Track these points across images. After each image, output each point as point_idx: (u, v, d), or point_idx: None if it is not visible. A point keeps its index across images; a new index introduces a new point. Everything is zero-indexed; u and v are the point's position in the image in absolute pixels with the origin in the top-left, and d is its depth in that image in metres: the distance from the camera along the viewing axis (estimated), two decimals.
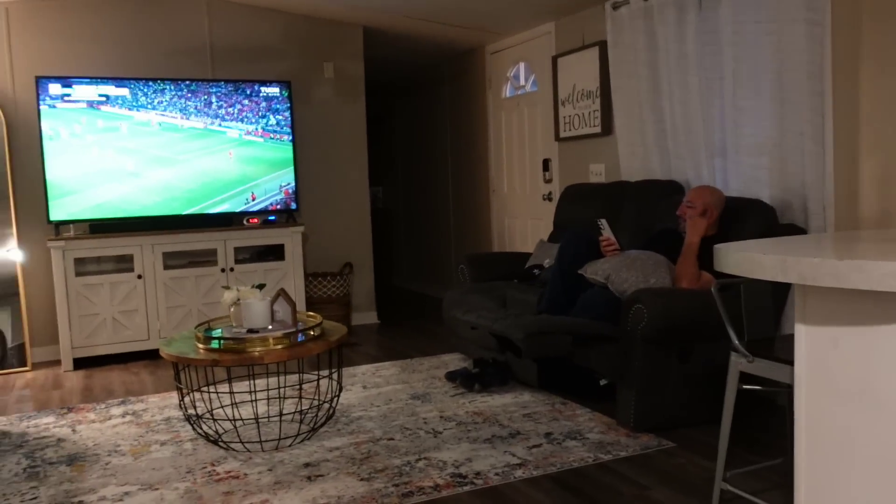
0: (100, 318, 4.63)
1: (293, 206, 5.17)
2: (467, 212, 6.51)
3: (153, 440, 3.17)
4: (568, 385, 3.65)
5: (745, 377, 2.15)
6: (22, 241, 4.74)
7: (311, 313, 3.41)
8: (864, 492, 1.46)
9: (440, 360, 4.46)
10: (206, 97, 4.89)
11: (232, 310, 3.16)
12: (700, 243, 3.26)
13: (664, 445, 2.90)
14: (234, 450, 3.01)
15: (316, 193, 5.57)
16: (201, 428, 3.14)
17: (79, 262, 4.60)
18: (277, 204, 5.11)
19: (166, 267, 4.78)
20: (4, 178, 4.66)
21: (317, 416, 3.30)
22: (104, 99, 4.66)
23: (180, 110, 4.83)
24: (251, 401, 3.57)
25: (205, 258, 4.92)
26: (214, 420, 3.23)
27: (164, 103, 4.79)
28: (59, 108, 4.55)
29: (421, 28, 5.52)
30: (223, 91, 4.94)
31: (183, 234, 4.78)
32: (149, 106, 4.75)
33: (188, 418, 3.14)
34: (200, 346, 2.99)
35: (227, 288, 3.16)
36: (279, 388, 3.58)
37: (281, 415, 3.31)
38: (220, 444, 3.06)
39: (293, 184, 5.15)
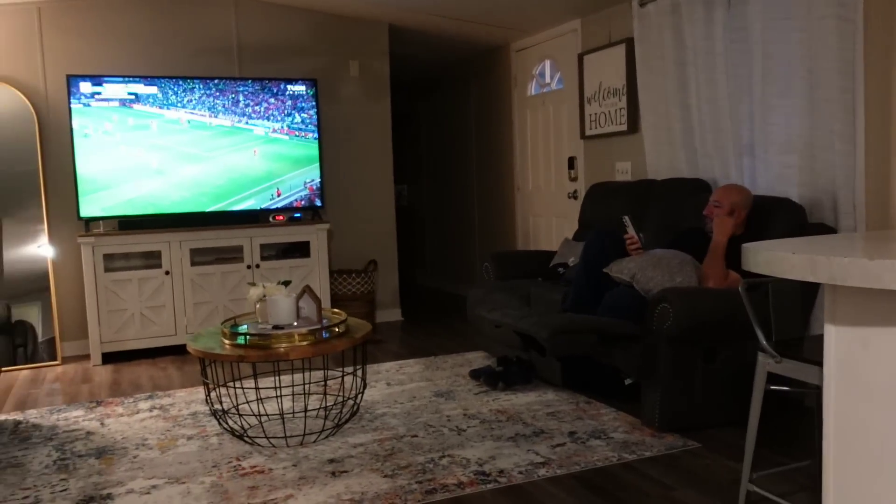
0: (128, 313, 4.69)
1: (317, 202, 5.20)
2: (492, 210, 6.50)
3: (180, 434, 3.21)
4: (592, 384, 3.63)
5: (772, 378, 2.13)
6: (53, 238, 4.82)
7: (336, 310, 3.42)
8: (894, 495, 1.43)
9: (464, 357, 4.46)
10: (233, 95, 4.94)
11: (258, 306, 3.18)
12: (727, 243, 3.23)
13: (689, 446, 2.88)
14: (259, 445, 3.03)
15: (341, 191, 5.59)
16: (227, 423, 3.17)
17: (108, 258, 4.67)
18: (302, 200, 5.15)
19: (193, 263, 4.83)
20: (36, 176, 4.74)
21: (341, 412, 3.32)
22: (133, 97, 4.72)
23: (209, 108, 4.89)
24: (276, 397, 3.60)
25: (231, 255, 4.97)
26: (240, 415, 3.26)
27: (194, 101, 4.85)
28: (92, 107, 4.63)
29: (446, 26, 5.52)
30: (250, 89, 4.99)
31: (210, 231, 4.83)
32: (178, 104, 4.81)
33: (214, 413, 3.17)
34: (227, 341, 3.01)
35: (253, 284, 3.19)
36: (304, 384, 3.60)
37: (306, 411, 3.33)
38: (246, 439, 3.09)
39: (318, 180, 5.18)
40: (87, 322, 4.64)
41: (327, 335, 3.04)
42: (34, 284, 4.74)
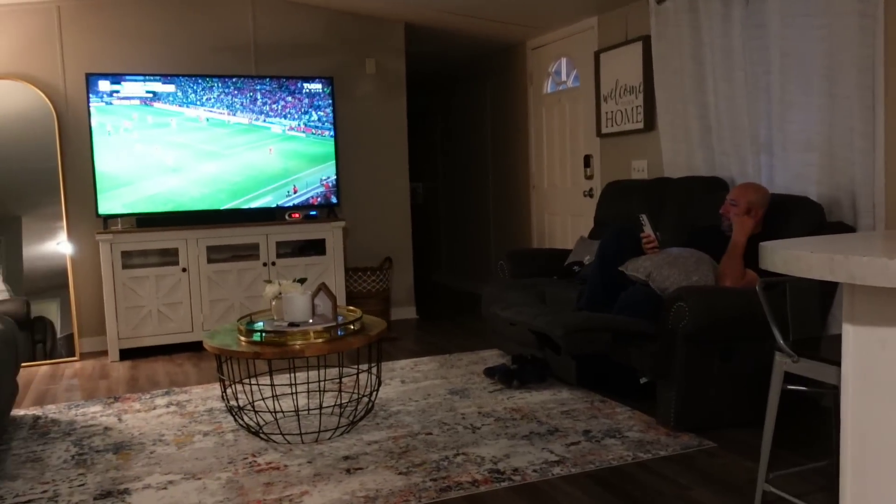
0: (145, 310, 4.73)
1: (333, 199, 5.22)
2: (507, 208, 6.49)
3: (196, 430, 3.23)
4: (607, 383, 3.62)
5: (789, 377, 2.11)
6: (71, 235, 4.87)
7: (352, 307, 3.43)
8: None
9: (479, 355, 4.46)
10: (251, 93, 4.97)
11: (273, 303, 3.20)
12: (746, 242, 3.20)
13: (705, 445, 2.86)
14: (274, 441, 3.05)
15: (357, 189, 5.61)
16: (243, 419, 3.19)
17: (126, 255, 4.70)
18: (318, 197, 5.17)
19: (210, 261, 4.86)
20: (55, 173, 4.78)
21: (356, 409, 3.32)
22: (151, 95, 4.75)
23: (227, 106, 4.93)
24: (292, 393, 3.62)
25: (247, 252, 5.00)
26: (256, 412, 3.27)
27: (213, 100, 4.89)
28: (114, 105, 4.67)
29: (462, 24, 5.51)
30: (268, 87, 5.01)
31: (226, 229, 4.86)
32: (198, 102, 4.85)
33: (230, 410, 3.19)
34: (243, 338, 3.03)
35: (269, 282, 3.21)
36: (319, 381, 3.61)
37: (321, 408, 3.34)
38: (261, 435, 3.10)
39: (333, 178, 5.20)
40: (105, 318, 4.68)
41: (342, 332, 3.05)
42: (53, 281, 4.79)
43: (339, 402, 3.53)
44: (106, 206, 4.69)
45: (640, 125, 4.62)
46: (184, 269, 4.79)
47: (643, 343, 3.11)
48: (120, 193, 4.71)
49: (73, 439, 3.18)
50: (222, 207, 4.94)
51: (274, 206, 5.07)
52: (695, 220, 3.80)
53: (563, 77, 5.64)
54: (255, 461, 2.84)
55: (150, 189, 4.78)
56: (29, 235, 4.75)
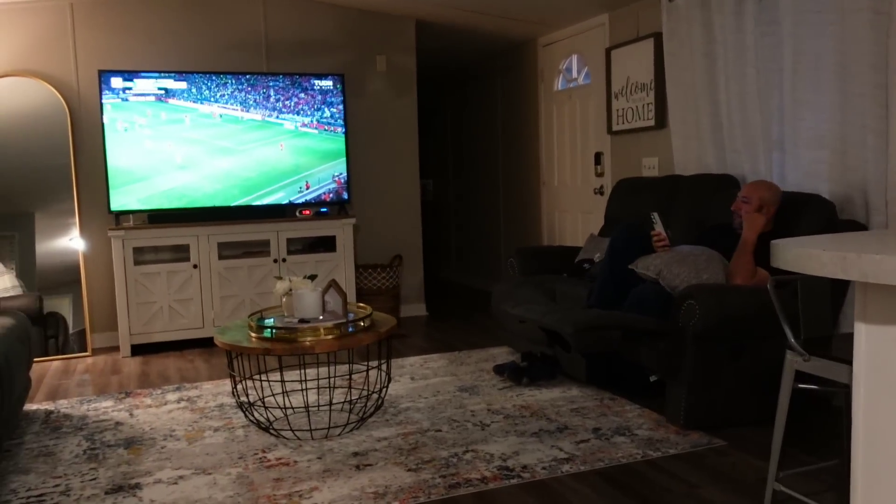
0: (157, 306, 4.75)
1: (345, 195, 5.23)
2: (517, 205, 6.48)
3: (207, 426, 3.25)
4: (617, 380, 3.62)
5: (800, 376, 2.10)
6: (84, 231, 4.90)
7: (362, 304, 3.44)
8: None
9: (488, 353, 4.46)
10: (264, 90, 5.00)
11: (284, 300, 3.21)
12: (757, 240, 3.19)
13: (715, 444, 2.85)
14: (284, 437, 3.06)
15: (367, 186, 5.62)
16: (253, 415, 3.21)
17: (137, 251, 4.73)
18: (330, 193, 5.18)
19: (221, 257, 4.88)
20: (68, 170, 4.81)
21: (366, 406, 3.33)
22: (163, 92, 4.77)
23: (240, 103, 4.95)
24: (302, 390, 3.63)
25: (258, 249, 5.02)
26: (266, 408, 3.29)
27: (226, 96, 4.91)
28: (130, 101, 4.70)
29: (473, 20, 5.51)
30: (280, 84, 5.03)
31: (237, 226, 4.88)
32: (212, 99, 4.87)
33: (240, 405, 3.20)
34: (253, 335, 3.04)
35: (280, 278, 3.22)
36: (329, 377, 3.62)
37: (331, 404, 3.35)
38: (271, 431, 3.11)
39: (345, 174, 5.21)
40: (117, 314, 4.70)
41: (352, 329, 3.05)
42: (65, 277, 4.82)
43: (348, 398, 3.54)
44: (119, 201, 4.71)
45: (652, 122, 4.61)
46: (195, 266, 4.81)
47: (653, 341, 3.10)
48: (133, 189, 4.74)
49: (84, 434, 3.20)
50: (235, 203, 4.96)
51: (286, 201, 5.08)
52: (706, 217, 3.79)
53: (574, 74, 5.62)
54: (265, 457, 2.86)
55: (164, 185, 4.80)
56: (42, 231, 4.78)
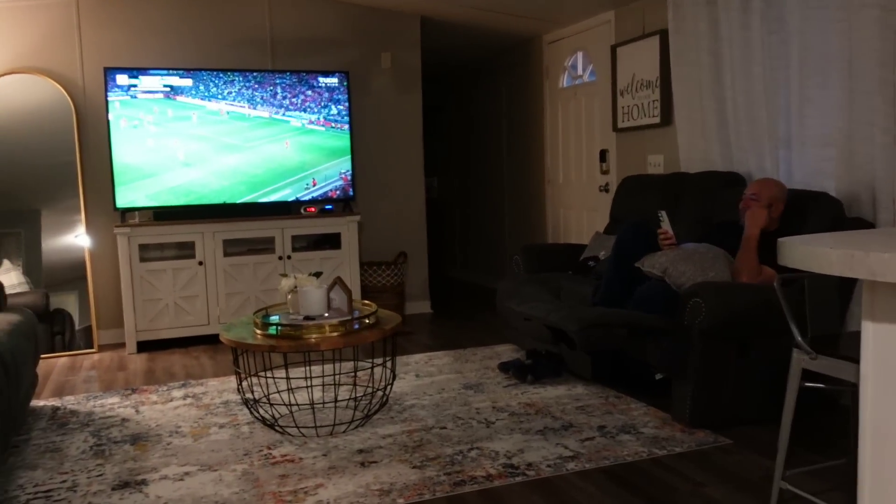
0: (162, 303, 4.76)
1: (351, 192, 5.23)
2: (522, 202, 6.48)
3: (212, 423, 3.25)
4: (622, 378, 3.61)
5: (807, 375, 2.09)
6: (90, 228, 4.91)
7: (367, 301, 3.44)
8: None
9: (493, 350, 4.46)
10: (271, 88, 5.00)
11: (289, 297, 3.21)
12: (760, 236, 3.17)
13: (721, 442, 2.85)
14: (289, 434, 3.06)
15: (372, 183, 5.62)
16: (258, 412, 3.21)
17: (143, 248, 4.74)
18: (337, 190, 5.19)
19: (226, 254, 4.89)
20: (74, 167, 4.82)
21: (370, 403, 3.34)
22: (169, 89, 4.78)
23: (247, 100, 4.96)
24: (307, 387, 3.63)
25: (263, 246, 5.02)
26: (271, 405, 3.29)
27: (233, 93, 4.92)
28: (139, 98, 4.71)
29: (478, 17, 5.50)
30: (287, 82, 5.04)
31: (242, 223, 4.88)
32: (219, 96, 4.88)
33: (246, 402, 3.21)
34: (258, 332, 3.05)
35: (285, 275, 3.22)
36: (334, 374, 3.63)
37: (336, 401, 3.36)
38: (277, 428, 3.12)
39: (351, 171, 5.22)
40: (123, 311, 4.72)
41: (358, 326, 3.05)
42: (72, 273, 4.84)
43: (353, 395, 3.54)
44: (125, 198, 4.72)
45: (657, 120, 4.59)
46: (200, 263, 4.82)
47: (659, 339, 3.10)
48: (140, 186, 4.74)
49: (91, 430, 3.21)
50: (242, 200, 4.97)
51: (293, 198, 5.09)
52: (712, 215, 3.78)
53: (580, 71, 5.61)
54: (271, 453, 2.86)
55: (171, 181, 4.81)
56: (48, 228, 4.79)
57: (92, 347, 4.83)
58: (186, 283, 4.80)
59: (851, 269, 1.34)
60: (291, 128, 5.06)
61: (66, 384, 4.03)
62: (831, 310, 2.27)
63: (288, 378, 3.17)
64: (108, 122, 4.68)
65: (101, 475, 2.70)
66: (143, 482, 2.62)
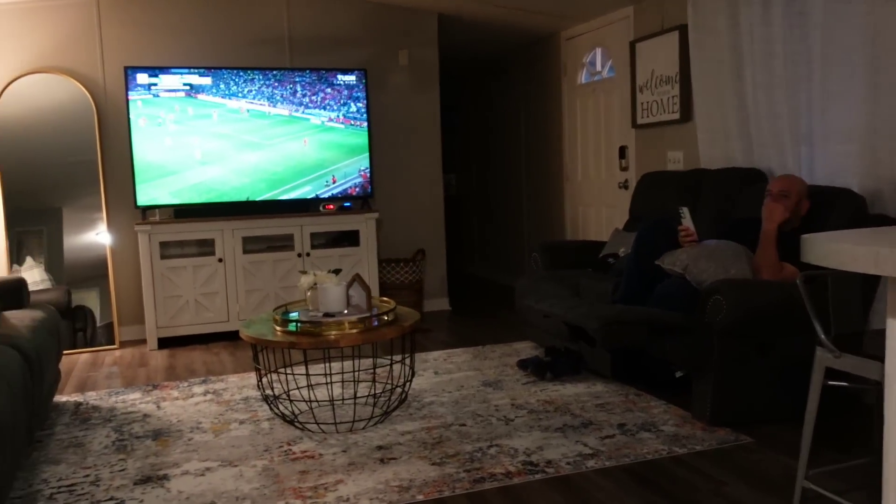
0: (183, 299, 4.80)
1: (370, 189, 5.24)
2: (541, 199, 6.46)
3: (232, 418, 3.28)
4: (642, 376, 3.59)
5: (830, 373, 2.07)
6: (111, 225, 4.96)
7: (385, 298, 3.45)
8: None
9: (512, 347, 4.46)
10: (291, 86, 5.02)
11: (308, 294, 3.22)
12: (777, 231, 3.13)
13: (742, 441, 2.83)
14: (309, 430, 3.08)
15: (390, 180, 5.62)
16: (278, 408, 3.23)
17: (164, 245, 4.78)
18: (356, 187, 5.21)
19: (246, 251, 4.92)
20: (95, 165, 4.87)
21: (389, 399, 3.34)
22: (189, 87, 4.81)
23: (268, 98, 4.98)
24: (326, 383, 3.65)
25: (282, 243, 5.04)
26: (291, 401, 3.31)
27: (254, 91, 4.95)
28: (161, 97, 4.75)
29: (496, 14, 5.48)
30: (307, 80, 5.06)
31: (261, 220, 4.91)
32: (239, 94, 4.91)
33: (266, 398, 3.23)
34: (278, 328, 3.06)
35: (304, 272, 3.23)
36: (353, 371, 3.64)
37: (355, 398, 3.37)
38: (296, 424, 3.13)
39: (370, 168, 5.23)
40: (144, 308, 4.76)
41: (377, 323, 3.06)
42: (93, 271, 4.89)
43: (372, 392, 3.55)
44: (146, 196, 4.76)
45: (677, 116, 4.56)
46: (220, 260, 4.85)
47: (679, 336, 3.08)
48: (161, 183, 4.78)
49: (113, 425, 3.24)
50: (262, 197, 5.00)
51: (313, 196, 5.11)
52: (732, 212, 3.75)
53: (598, 67, 5.58)
54: (291, 449, 2.87)
55: (191, 179, 4.85)
56: (69, 226, 4.85)
57: (113, 344, 4.88)
58: (206, 280, 4.84)
59: (877, 266, 1.33)
60: (311, 125, 5.08)
61: (88, 380, 4.08)
62: (855, 307, 2.25)
63: (308, 374, 3.18)
64: (128, 120, 4.72)
65: (123, 470, 2.73)
66: (165, 477, 2.65)
